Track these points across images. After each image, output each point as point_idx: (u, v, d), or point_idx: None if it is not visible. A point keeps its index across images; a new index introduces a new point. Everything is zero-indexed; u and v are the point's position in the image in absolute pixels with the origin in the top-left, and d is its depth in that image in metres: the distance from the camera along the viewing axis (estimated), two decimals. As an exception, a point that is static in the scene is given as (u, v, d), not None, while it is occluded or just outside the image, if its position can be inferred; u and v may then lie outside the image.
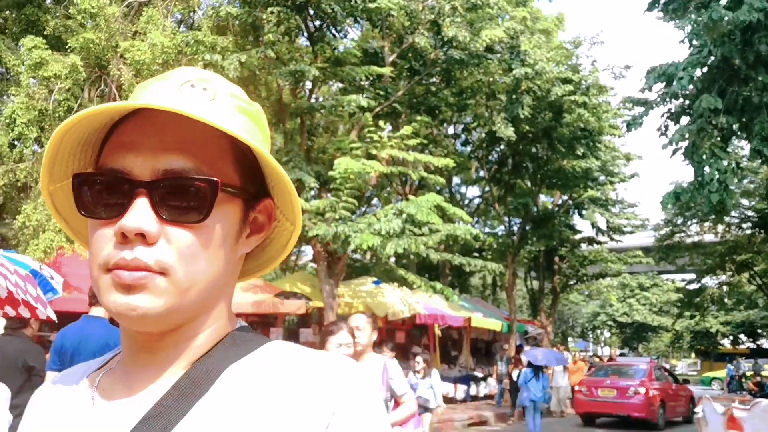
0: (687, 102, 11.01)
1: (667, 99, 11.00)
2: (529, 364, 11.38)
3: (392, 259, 14.91)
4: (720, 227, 24.91)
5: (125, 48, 11.63)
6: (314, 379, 0.59)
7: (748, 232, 24.33)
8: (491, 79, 15.39)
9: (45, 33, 12.79)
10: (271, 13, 11.34)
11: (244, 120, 0.64)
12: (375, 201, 22.23)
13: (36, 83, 11.93)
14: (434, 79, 14.72)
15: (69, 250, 10.97)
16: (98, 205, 0.61)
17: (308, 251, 18.34)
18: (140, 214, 0.58)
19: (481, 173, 20.09)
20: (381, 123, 12.80)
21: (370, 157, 11.74)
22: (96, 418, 0.62)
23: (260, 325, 13.96)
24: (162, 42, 11.40)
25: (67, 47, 12.02)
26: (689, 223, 24.92)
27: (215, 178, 0.60)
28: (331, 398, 0.58)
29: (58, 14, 13.37)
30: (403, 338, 15.51)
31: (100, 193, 0.61)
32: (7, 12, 14.29)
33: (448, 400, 14.05)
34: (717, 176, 9.73)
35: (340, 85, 13.69)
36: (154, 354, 0.63)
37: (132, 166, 0.59)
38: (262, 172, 0.67)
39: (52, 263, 10.63)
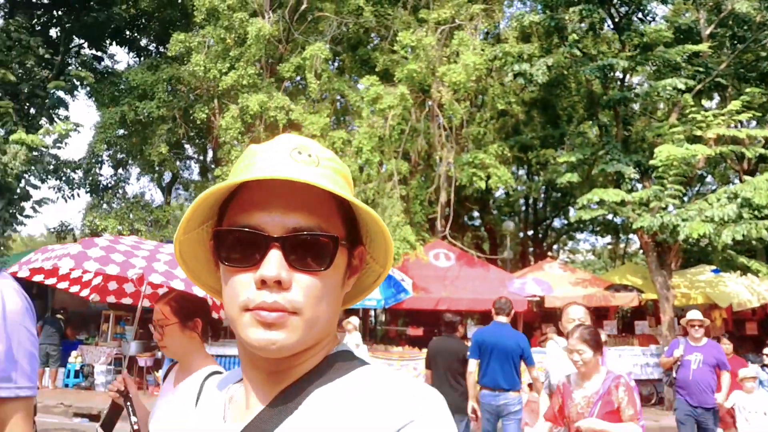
0: None
1: None
2: None
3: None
4: None
5: (443, 72, 13.55)
6: (386, 402, 0.72)
7: None
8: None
9: (376, 69, 15.51)
10: (573, 12, 12.01)
11: (341, 180, 0.80)
12: (709, 178, 20.76)
13: (373, 114, 14.38)
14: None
15: (413, 256, 13.23)
16: (236, 255, 0.75)
17: (636, 239, 18.10)
18: (276, 264, 0.72)
19: None
20: (703, 101, 12.29)
21: (694, 139, 11.49)
22: (222, 422, 0.83)
23: (594, 317, 14.60)
24: (473, 61, 13.03)
25: (394, 78, 14.36)
26: None
27: (335, 235, 0.76)
28: (399, 420, 0.70)
29: (385, 51, 16.00)
30: (755, 329, 14.48)
31: (237, 245, 0.75)
32: (344, 54, 17.61)
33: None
34: None
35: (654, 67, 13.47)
36: (268, 375, 0.79)
37: (265, 224, 0.74)
38: (358, 223, 0.82)
39: (401, 267, 13.06)
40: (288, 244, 0.74)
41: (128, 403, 2.47)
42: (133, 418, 2.45)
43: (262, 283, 0.73)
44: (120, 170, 17.16)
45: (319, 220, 0.76)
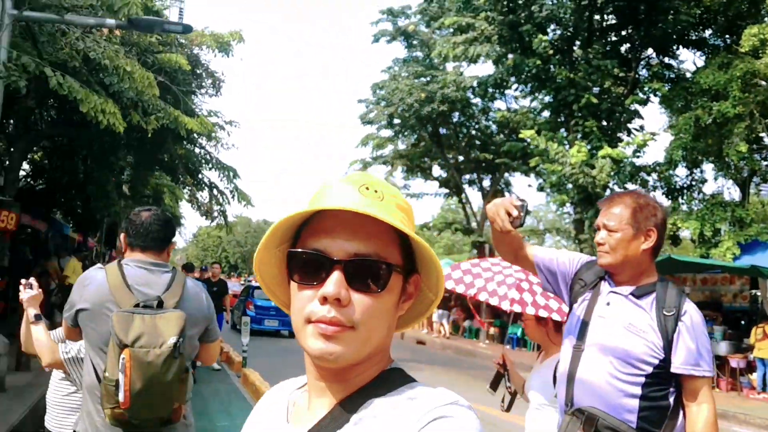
0: None
1: None
2: None
3: None
4: None
5: None
6: (422, 406, 0.88)
7: None
8: None
9: None
10: None
11: (402, 215, 0.95)
12: None
13: None
14: None
15: None
16: (305, 273, 0.91)
17: None
18: (337, 284, 0.87)
19: None
20: None
21: None
22: (285, 423, 1.00)
23: None
24: None
25: None
26: None
27: (391, 262, 0.91)
28: (426, 418, 0.86)
29: None
30: None
31: (306, 265, 0.91)
32: None
33: None
34: None
35: None
36: (328, 384, 0.94)
37: (330, 248, 0.90)
38: (414, 254, 0.98)
39: None
40: (349, 267, 0.89)
41: (506, 372, 3.81)
42: (509, 383, 3.81)
43: (324, 300, 0.88)
44: (695, 170, 18.53)
45: (378, 248, 0.91)
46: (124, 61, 9.32)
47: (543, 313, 3.70)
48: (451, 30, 22.17)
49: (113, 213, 15.52)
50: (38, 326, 3.03)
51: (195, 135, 14.25)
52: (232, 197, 16.86)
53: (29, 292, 3.04)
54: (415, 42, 28.41)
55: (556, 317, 3.60)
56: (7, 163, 13.05)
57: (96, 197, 15.37)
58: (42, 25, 9.31)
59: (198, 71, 15.30)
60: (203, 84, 16.01)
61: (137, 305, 2.54)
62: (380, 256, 0.92)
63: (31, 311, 3.04)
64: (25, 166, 15.91)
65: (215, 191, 17.39)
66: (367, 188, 0.95)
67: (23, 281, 3.09)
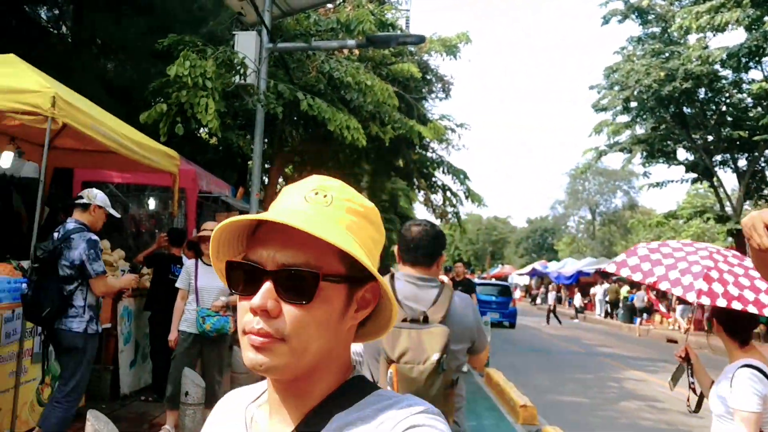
0: None
1: None
2: None
3: None
4: None
5: None
6: (392, 415, 0.87)
7: None
8: None
9: None
10: None
11: (354, 220, 0.93)
12: None
13: None
14: None
15: None
16: (241, 285, 0.90)
17: None
18: (264, 295, 0.86)
19: None
20: None
21: None
22: None
23: None
24: None
25: None
26: None
27: (316, 271, 0.87)
28: (400, 427, 0.85)
29: None
30: None
31: (242, 276, 0.90)
32: None
33: None
34: None
35: None
36: (285, 396, 0.93)
37: (263, 259, 0.88)
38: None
39: None
40: (277, 278, 0.88)
41: (689, 367, 3.50)
42: (691, 379, 3.49)
43: (254, 311, 0.88)
44: None
45: (311, 258, 0.88)
46: (365, 76, 9.90)
47: (736, 305, 3.38)
48: (692, -1, 20.15)
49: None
50: None
51: (427, 140, 14.69)
52: (465, 198, 17.11)
53: None
54: (650, 17, 26.30)
55: (752, 309, 3.35)
56: (267, 179, 14.61)
57: (341, 206, 16.48)
58: (292, 53, 10.27)
59: (428, 77, 15.75)
60: (433, 89, 16.44)
61: (404, 320, 2.62)
62: (311, 265, 0.88)
63: None
64: (280, 180, 17.68)
65: (448, 193, 17.79)
66: (316, 193, 0.93)
67: None
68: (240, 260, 0.92)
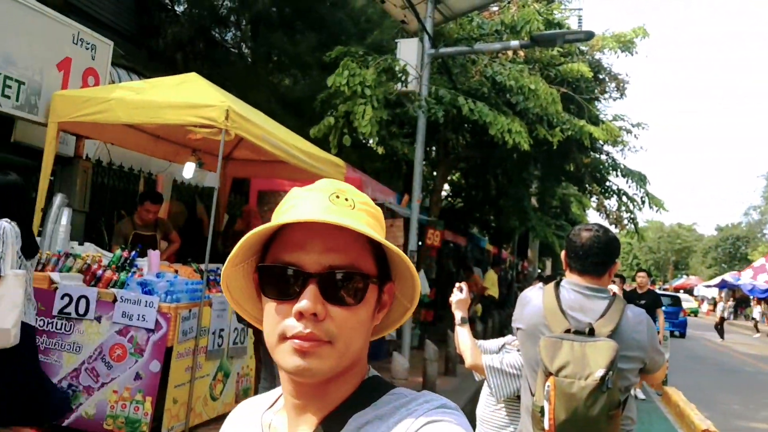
0: None
1: None
2: None
3: None
4: None
5: None
6: (410, 411, 0.87)
7: None
8: None
9: None
10: None
11: (373, 223, 0.93)
12: None
13: None
14: None
15: None
16: (278, 289, 0.87)
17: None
18: (313, 298, 0.83)
19: None
20: None
21: None
22: None
23: None
24: None
25: None
26: None
27: (368, 273, 0.89)
28: (418, 423, 0.84)
29: None
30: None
31: (279, 280, 0.86)
32: None
33: None
34: None
35: None
36: (307, 401, 0.92)
37: (304, 261, 0.85)
38: (387, 262, 0.95)
39: None
40: (324, 280, 0.85)
41: None
42: None
43: (300, 315, 0.84)
44: None
45: (353, 259, 0.87)
46: (528, 79, 9.61)
47: None
48: None
49: (528, 225, 16.21)
50: (463, 328, 3.22)
51: (600, 143, 13.95)
52: (643, 203, 16.03)
53: (458, 296, 3.23)
54: None
55: None
56: (432, 186, 14.71)
57: (509, 211, 16.24)
58: (455, 58, 10.23)
59: (600, 76, 14.97)
60: (606, 89, 15.61)
61: (567, 331, 2.44)
62: (356, 267, 0.88)
63: (457, 314, 3.24)
64: (446, 186, 17.75)
65: (624, 198, 16.77)
66: (338, 196, 0.92)
67: (457, 284, 3.30)
68: (275, 264, 0.89)
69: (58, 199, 5.67)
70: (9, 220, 3.88)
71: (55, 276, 5.17)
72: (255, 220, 9.09)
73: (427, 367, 9.09)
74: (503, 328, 15.89)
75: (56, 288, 5.08)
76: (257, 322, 1.01)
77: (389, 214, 11.87)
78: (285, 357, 0.86)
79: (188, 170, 7.18)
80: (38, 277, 5.18)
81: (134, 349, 4.85)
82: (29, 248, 4.06)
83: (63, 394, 4.82)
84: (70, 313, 5.01)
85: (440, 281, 15.61)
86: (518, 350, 3.24)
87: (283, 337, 0.86)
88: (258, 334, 5.16)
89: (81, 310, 5.00)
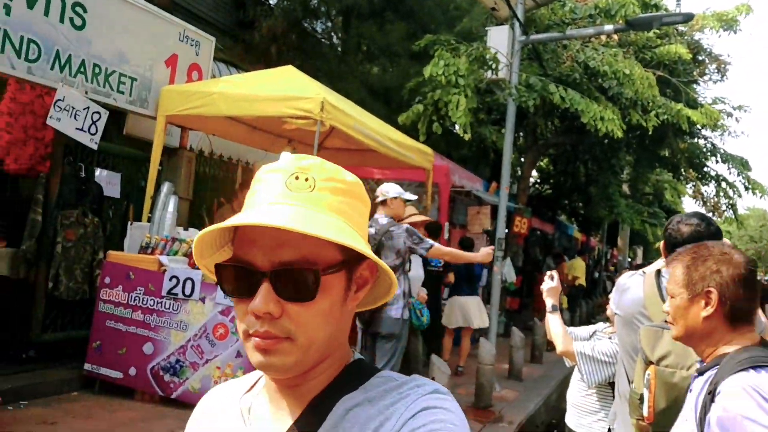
0: None
1: None
2: None
3: None
4: None
5: None
6: (401, 398, 0.86)
7: None
8: None
9: None
10: None
11: (340, 200, 0.88)
12: None
13: None
14: None
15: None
16: (234, 287, 0.86)
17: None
18: (265, 298, 0.82)
19: None
20: None
21: None
22: None
23: None
24: None
25: None
26: None
27: (316, 267, 0.84)
28: (411, 410, 0.83)
29: None
30: None
31: (234, 278, 0.86)
32: None
33: None
34: None
35: None
36: (289, 389, 0.90)
37: (256, 259, 0.84)
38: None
39: None
40: (275, 278, 0.83)
41: None
42: None
43: (256, 315, 0.83)
44: None
45: (306, 252, 0.83)
46: (623, 64, 9.30)
47: None
48: None
49: (616, 213, 15.74)
50: (554, 316, 3.23)
51: (698, 127, 13.32)
52: (745, 189, 15.22)
53: (548, 284, 3.25)
54: None
55: None
56: (519, 172, 14.51)
57: (598, 198, 15.81)
58: (545, 44, 10.04)
59: (700, 57, 14.26)
60: (706, 70, 14.85)
61: (668, 321, 2.41)
62: (309, 261, 0.84)
63: (548, 301, 3.26)
64: (534, 173, 17.45)
65: (723, 184, 15.97)
66: (297, 177, 0.87)
67: (548, 273, 3.32)
68: (230, 262, 0.87)
69: (165, 187, 6.01)
70: None
71: (164, 259, 5.51)
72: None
73: (513, 354, 9.07)
74: (591, 319, 15.53)
75: (164, 270, 5.43)
76: None
77: (476, 201, 11.82)
78: (251, 354, 0.85)
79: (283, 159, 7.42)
80: (147, 260, 5.56)
81: (235, 328, 5.12)
82: None
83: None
84: (177, 294, 5.35)
85: (526, 269, 15.41)
86: (609, 338, 3.22)
87: (246, 334, 0.85)
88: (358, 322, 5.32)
89: (187, 291, 5.33)
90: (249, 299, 0.84)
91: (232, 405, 0.98)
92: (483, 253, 5.38)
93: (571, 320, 13.68)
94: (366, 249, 0.86)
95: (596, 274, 21.86)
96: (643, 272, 2.62)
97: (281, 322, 0.83)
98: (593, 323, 3.88)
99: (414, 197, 5.64)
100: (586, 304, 16.36)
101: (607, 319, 3.36)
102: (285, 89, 5.87)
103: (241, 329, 0.86)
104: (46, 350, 6.03)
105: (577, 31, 9.19)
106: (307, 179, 0.87)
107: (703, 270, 1.89)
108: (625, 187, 19.75)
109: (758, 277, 1.90)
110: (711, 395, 1.74)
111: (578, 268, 16.24)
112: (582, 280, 16.27)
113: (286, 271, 0.83)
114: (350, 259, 0.88)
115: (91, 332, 5.61)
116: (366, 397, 0.88)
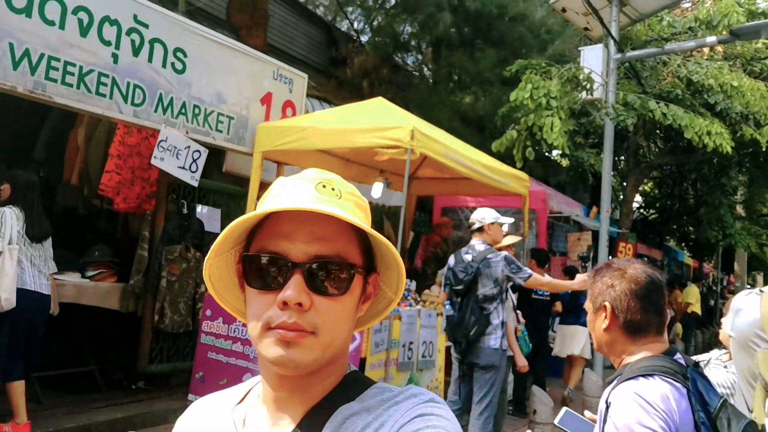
0: None
1: None
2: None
3: None
4: None
5: None
6: (397, 406, 0.86)
7: None
8: None
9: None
10: None
11: (360, 213, 0.91)
12: None
13: None
14: None
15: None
16: (262, 278, 0.86)
17: None
18: (298, 288, 0.82)
19: None
20: None
21: None
22: None
23: None
24: None
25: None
26: None
27: (353, 263, 0.87)
28: (406, 417, 0.83)
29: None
30: None
31: (263, 269, 0.85)
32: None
33: None
34: None
35: None
36: (289, 394, 0.89)
37: (289, 251, 0.84)
38: (373, 253, 0.94)
39: None
40: (309, 270, 0.84)
41: None
42: None
43: (284, 305, 0.82)
44: None
45: (339, 249, 0.86)
46: (729, 76, 8.75)
47: None
48: None
49: (728, 236, 14.71)
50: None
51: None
52: None
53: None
54: None
55: None
56: (621, 197, 13.90)
57: (708, 221, 14.89)
58: (643, 61, 9.62)
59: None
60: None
61: None
62: (341, 256, 0.86)
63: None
64: (637, 197, 16.68)
65: None
66: (324, 186, 0.90)
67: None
68: (259, 253, 0.87)
69: (263, 221, 6.15)
70: (12, 207, 4.56)
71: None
72: (447, 230, 9.22)
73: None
74: (707, 349, 14.50)
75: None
76: (238, 313, 0.99)
77: (576, 227, 11.39)
78: (268, 347, 0.84)
79: (377, 190, 7.45)
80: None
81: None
82: (33, 232, 4.67)
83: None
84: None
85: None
86: (725, 366, 2.94)
87: (267, 328, 0.84)
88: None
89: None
90: (275, 291, 0.84)
91: (224, 417, 0.96)
92: (579, 280, 5.14)
93: (686, 350, 12.80)
94: (399, 260, 0.92)
95: (711, 302, 20.46)
96: (760, 291, 2.38)
97: (309, 315, 0.84)
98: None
99: (511, 220, 5.47)
100: (702, 333, 15.31)
101: (721, 345, 3.06)
102: (375, 120, 5.90)
103: (261, 323, 0.85)
104: (152, 381, 6.25)
105: (677, 45, 8.74)
106: (333, 189, 0.91)
107: (600, 285, 2.06)
108: (739, 209, 18.49)
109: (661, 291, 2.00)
110: (606, 405, 1.84)
111: (692, 294, 15.25)
112: (696, 308, 15.26)
113: (322, 264, 0.85)
114: (369, 266, 0.93)
115: (194, 363, 5.76)
116: (363, 407, 0.88)
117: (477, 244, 5.07)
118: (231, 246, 0.93)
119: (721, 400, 1.82)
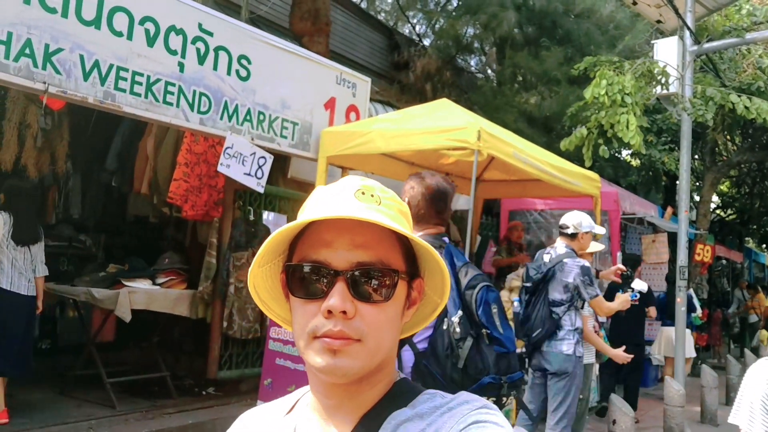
0: None
1: None
2: None
3: None
4: None
5: None
6: (451, 414, 0.84)
7: None
8: None
9: None
10: None
11: (401, 218, 0.90)
12: None
13: None
14: None
15: None
16: (305, 287, 0.85)
17: None
18: (342, 296, 0.81)
19: None
20: None
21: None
22: None
23: None
24: None
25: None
26: None
27: (396, 269, 0.86)
28: (461, 425, 0.81)
29: None
30: None
31: (306, 278, 0.85)
32: None
33: None
34: None
35: None
36: (339, 401, 0.88)
37: (331, 259, 0.83)
38: (415, 258, 0.93)
39: None
40: (352, 278, 0.83)
41: None
42: None
43: (329, 313, 0.82)
44: None
45: (381, 255, 0.85)
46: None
47: None
48: None
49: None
50: None
51: None
52: None
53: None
54: None
55: None
56: (698, 197, 13.23)
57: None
58: (721, 53, 9.08)
59: None
60: None
61: None
62: (384, 263, 0.85)
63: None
64: (714, 198, 15.87)
65: None
66: (363, 193, 0.88)
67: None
68: (302, 262, 0.86)
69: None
70: (1, 212, 4.91)
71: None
72: (519, 232, 8.94)
73: (705, 395, 8.07)
74: (796, 356, 13.57)
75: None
76: (285, 322, 0.99)
77: (651, 228, 10.87)
78: (315, 356, 0.84)
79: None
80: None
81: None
82: (20, 236, 4.99)
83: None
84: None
85: (712, 301, 13.87)
86: None
87: (313, 337, 0.83)
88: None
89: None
90: (320, 300, 0.83)
91: (274, 427, 0.96)
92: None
93: (772, 359, 12.02)
94: (443, 265, 0.91)
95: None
96: None
97: (354, 322, 0.83)
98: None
99: (603, 230, 5.25)
100: (788, 340, 14.35)
101: None
102: (440, 121, 5.71)
103: (306, 333, 0.84)
104: (222, 387, 6.24)
105: (759, 34, 8.18)
106: (372, 195, 0.89)
107: (406, 186, 2.87)
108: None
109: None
110: None
111: (772, 299, 14.37)
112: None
113: (365, 271, 0.84)
114: (412, 272, 0.92)
115: (263, 370, 5.70)
116: (415, 413, 0.87)
117: (560, 246, 4.92)
118: (274, 256, 0.92)
119: (467, 262, 2.75)
